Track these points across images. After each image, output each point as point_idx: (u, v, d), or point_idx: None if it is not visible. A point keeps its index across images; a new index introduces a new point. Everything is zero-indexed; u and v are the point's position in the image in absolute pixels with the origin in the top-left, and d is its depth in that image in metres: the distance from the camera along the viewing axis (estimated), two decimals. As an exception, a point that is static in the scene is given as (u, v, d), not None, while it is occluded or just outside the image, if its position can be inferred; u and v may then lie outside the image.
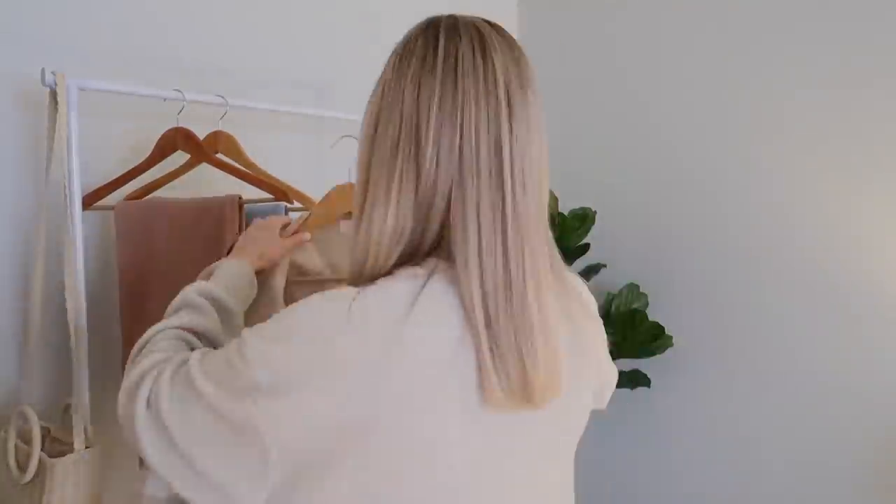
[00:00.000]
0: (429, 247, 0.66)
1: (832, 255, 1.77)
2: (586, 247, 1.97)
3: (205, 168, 1.34)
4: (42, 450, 1.13)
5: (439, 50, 0.65)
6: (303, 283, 1.11)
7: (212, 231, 1.24)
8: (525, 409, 0.63)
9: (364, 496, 0.60)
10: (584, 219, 2.00)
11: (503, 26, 0.70)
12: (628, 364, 1.99)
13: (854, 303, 1.74)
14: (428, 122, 0.64)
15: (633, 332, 1.90)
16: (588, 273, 1.99)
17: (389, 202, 0.65)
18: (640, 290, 2.02)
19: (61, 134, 1.11)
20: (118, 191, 1.33)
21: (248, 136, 1.43)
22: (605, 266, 2.03)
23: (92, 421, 1.17)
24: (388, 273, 0.65)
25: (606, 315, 1.94)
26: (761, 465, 1.90)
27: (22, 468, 1.10)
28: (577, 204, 2.11)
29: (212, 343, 0.80)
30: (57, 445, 1.16)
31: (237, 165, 1.33)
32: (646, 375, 1.96)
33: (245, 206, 1.27)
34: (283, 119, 1.44)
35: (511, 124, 0.64)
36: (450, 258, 0.64)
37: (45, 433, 1.18)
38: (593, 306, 0.79)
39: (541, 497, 0.71)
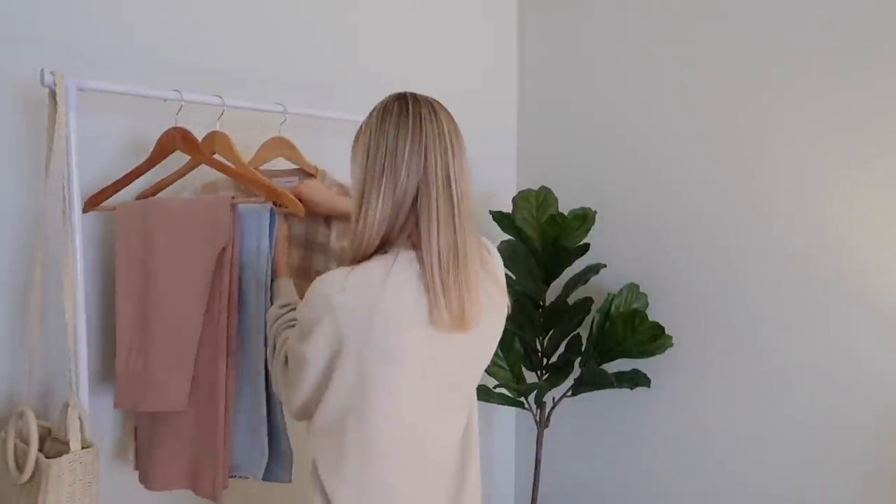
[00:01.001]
0: (395, 238, 1.03)
1: (832, 256, 1.76)
2: (586, 247, 1.97)
3: (204, 168, 1.35)
4: (42, 449, 1.13)
5: (409, 114, 1.03)
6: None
7: (206, 231, 1.24)
8: (458, 331, 1.03)
9: (362, 375, 1.01)
10: (584, 219, 2.00)
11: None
12: (628, 364, 1.99)
13: (854, 303, 1.73)
14: (404, 152, 1.01)
15: (633, 332, 1.90)
16: (588, 273, 1.99)
17: (378, 205, 1.02)
18: (640, 290, 2.02)
19: (60, 133, 1.12)
20: (120, 191, 1.33)
21: (248, 137, 1.43)
22: (605, 266, 2.02)
23: (91, 421, 1.17)
24: (368, 258, 1.04)
25: (607, 315, 1.94)
26: (761, 465, 1.90)
27: (20, 468, 1.10)
28: (577, 204, 2.11)
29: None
30: (57, 445, 1.16)
31: (232, 166, 1.33)
32: (646, 375, 1.95)
33: (239, 205, 1.28)
34: (280, 119, 1.45)
35: (453, 159, 1.04)
36: (410, 246, 1.03)
37: (46, 433, 1.18)
38: (500, 273, 1.17)
39: (464, 387, 1.13)
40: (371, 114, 1.07)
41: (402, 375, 1.02)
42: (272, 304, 1.28)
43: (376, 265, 1.02)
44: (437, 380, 1.06)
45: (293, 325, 1.14)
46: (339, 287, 1.00)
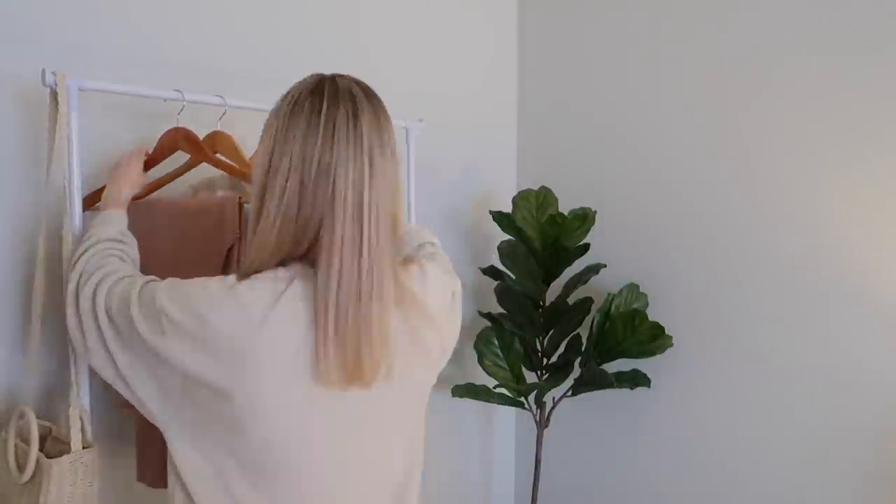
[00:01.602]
0: (294, 262, 0.88)
1: (832, 256, 1.77)
2: (586, 247, 1.97)
3: (204, 167, 1.34)
4: (43, 449, 1.13)
5: (322, 116, 0.86)
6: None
7: (212, 231, 1.24)
8: (356, 386, 0.85)
9: (233, 425, 0.84)
10: (584, 219, 2.00)
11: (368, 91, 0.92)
12: (628, 364, 1.99)
13: (854, 303, 1.74)
14: (310, 173, 0.85)
15: (633, 332, 1.90)
16: (588, 273, 1.99)
17: (275, 224, 0.86)
18: (640, 290, 2.02)
19: (61, 134, 1.12)
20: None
21: (253, 137, 1.43)
22: (605, 266, 2.02)
23: (92, 421, 1.17)
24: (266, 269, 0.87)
25: (607, 315, 1.94)
26: (761, 465, 1.90)
27: (21, 468, 1.10)
28: (577, 204, 2.11)
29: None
30: (58, 445, 1.16)
31: (235, 165, 1.33)
32: (646, 375, 1.96)
33: (245, 205, 1.27)
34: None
35: (371, 181, 0.86)
36: (312, 265, 0.86)
37: (47, 433, 1.18)
38: (438, 307, 0.98)
39: (368, 458, 0.93)
40: (281, 103, 0.90)
41: (271, 444, 0.85)
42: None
43: (264, 289, 0.85)
44: (334, 447, 0.89)
45: (127, 278, 0.96)
46: (216, 303, 0.84)
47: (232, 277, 0.87)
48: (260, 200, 0.88)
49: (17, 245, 1.27)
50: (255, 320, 0.82)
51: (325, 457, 0.89)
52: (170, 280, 0.91)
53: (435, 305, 0.97)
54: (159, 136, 1.32)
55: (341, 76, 0.92)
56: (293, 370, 0.83)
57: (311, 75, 0.92)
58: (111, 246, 1.05)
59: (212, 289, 0.85)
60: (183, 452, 0.88)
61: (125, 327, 0.89)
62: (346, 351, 0.83)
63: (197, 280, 0.88)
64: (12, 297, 1.27)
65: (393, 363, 0.88)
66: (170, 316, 0.85)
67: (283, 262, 0.88)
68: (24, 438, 1.13)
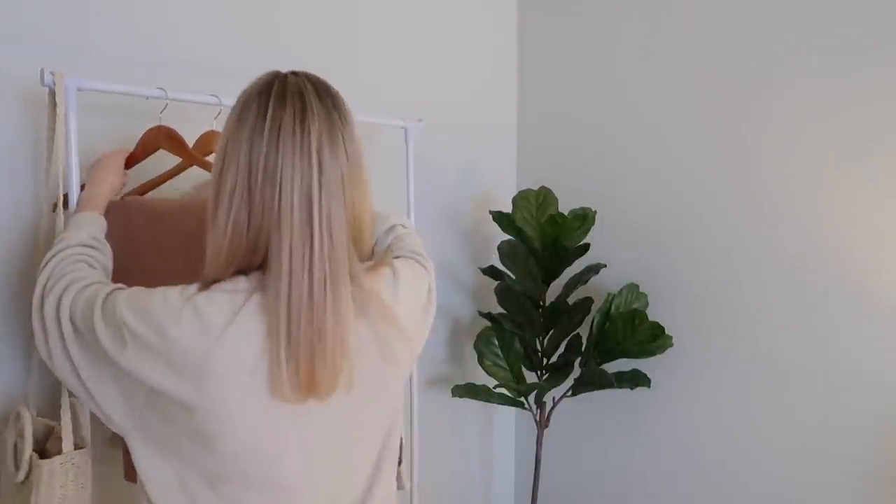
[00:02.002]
0: (256, 266, 0.84)
1: (832, 256, 1.76)
2: (586, 247, 1.97)
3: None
4: (45, 448, 1.13)
5: (267, 119, 0.82)
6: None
7: (195, 230, 1.23)
8: (312, 400, 0.82)
9: (198, 438, 0.82)
10: (584, 219, 2.00)
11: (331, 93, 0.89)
12: (628, 364, 1.99)
13: (854, 303, 1.73)
14: (256, 177, 0.81)
15: (633, 332, 1.90)
16: (588, 273, 1.99)
17: (226, 233, 0.83)
18: (640, 290, 2.02)
19: (60, 133, 1.12)
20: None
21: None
22: (605, 266, 2.02)
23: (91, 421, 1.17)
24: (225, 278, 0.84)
25: (607, 315, 1.94)
26: (761, 465, 1.90)
27: (18, 467, 1.10)
28: (577, 204, 2.11)
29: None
30: (58, 444, 1.16)
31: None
32: (646, 375, 1.95)
33: None
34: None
35: (321, 183, 0.82)
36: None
37: (49, 432, 1.18)
38: (404, 315, 0.93)
39: (337, 469, 0.91)
40: (236, 102, 0.87)
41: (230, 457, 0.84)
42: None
43: (223, 301, 0.82)
44: (300, 460, 0.87)
45: (94, 285, 0.92)
46: (175, 316, 0.80)
47: (193, 287, 0.84)
48: (213, 207, 0.85)
49: (16, 244, 1.27)
50: (213, 334, 0.79)
51: (291, 469, 0.87)
52: (133, 290, 0.88)
53: (405, 314, 0.93)
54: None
55: (295, 73, 0.88)
56: (251, 384, 0.81)
57: (267, 73, 0.89)
58: (81, 251, 1.02)
59: (171, 301, 0.82)
60: (148, 464, 0.86)
61: (89, 337, 0.86)
62: (298, 365, 0.80)
63: (159, 290, 0.85)
64: (12, 295, 1.27)
65: (357, 373, 0.85)
66: (130, 328, 0.82)
67: (244, 271, 0.85)
68: (24, 438, 1.14)
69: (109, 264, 1.07)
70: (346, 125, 0.87)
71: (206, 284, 0.84)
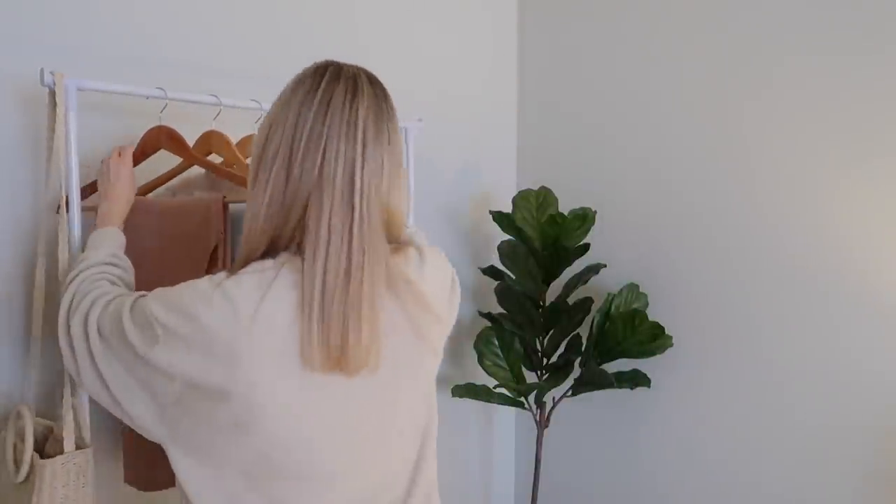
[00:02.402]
0: (285, 242, 0.85)
1: (832, 256, 1.76)
2: (586, 247, 1.97)
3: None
4: (44, 449, 1.13)
5: (319, 92, 0.84)
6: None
7: (197, 231, 1.23)
8: (342, 370, 0.82)
9: (234, 429, 0.82)
10: (584, 219, 2.00)
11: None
12: (628, 364, 1.99)
13: (854, 303, 1.73)
14: (300, 143, 0.82)
15: (633, 332, 1.90)
16: (588, 273, 1.99)
17: (265, 200, 0.84)
18: (640, 290, 2.02)
19: (60, 133, 1.12)
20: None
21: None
22: (605, 266, 2.02)
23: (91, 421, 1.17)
24: (255, 260, 0.85)
25: (607, 315, 1.94)
26: (761, 465, 1.90)
27: (18, 468, 1.10)
28: (577, 204, 2.11)
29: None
30: (57, 444, 1.16)
31: (223, 166, 1.32)
32: (646, 375, 1.95)
33: (230, 205, 1.27)
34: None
35: (364, 158, 0.83)
36: (298, 253, 0.83)
37: (49, 432, 1.18)
38: (436, 296, 0.93)
39: (376, 449, 0.90)
40: (290, 80, 0.90)
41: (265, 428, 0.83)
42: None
43: (252, 281, 0.82)
44: (335, 438, 0.86)
45: (119, 297, 0.94)
46: (205, 301, 0.81)
47: (221, 274, 0.85)
48: (255, 172, 0.86)
49: (16, 244, 1.27)
50: (245, 315, 0.80)
51: (329, 456, 0.86)
52: (158, 289, 0.89)
53: (432, 293, 0.92)
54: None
55: (352, 65, 0.90)
56: (284, 358, 0.81)
57: (323, 60, 0.90)
58: (102, 270, 1.03)
59: (200, 287, 0.83)
60: (185, 468, 0.86)
61: (117, 343, 0.88)
62: (330, 332, 0.80)
63: (186, 283, 0.86)
64: (13, 295, 1.27)
65: (391, 350, 0.85)
66: (162, 321, 0.83)
67: (270, 254, 0.86)
68: (22, 438, 1.13)
69: (131, 280, 1.08)
70: (392, 118, 0.89)
71: (236, 269, 0.85)
